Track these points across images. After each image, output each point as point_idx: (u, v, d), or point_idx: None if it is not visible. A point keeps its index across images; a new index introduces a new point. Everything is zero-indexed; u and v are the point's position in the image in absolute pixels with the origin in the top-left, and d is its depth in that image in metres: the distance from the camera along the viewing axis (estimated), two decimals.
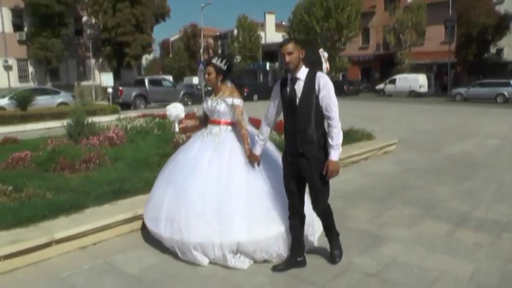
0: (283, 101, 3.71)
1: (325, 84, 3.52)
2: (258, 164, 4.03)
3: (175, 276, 3.81)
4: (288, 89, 3.64)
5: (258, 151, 4.00)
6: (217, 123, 4.28)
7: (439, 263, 3.98)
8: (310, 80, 3.55)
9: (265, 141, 4.02)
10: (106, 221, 4.58)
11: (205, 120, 4.45)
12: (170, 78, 38.73)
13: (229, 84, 4.29)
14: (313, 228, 4.22)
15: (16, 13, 37.88)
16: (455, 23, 39.28)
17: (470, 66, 38.66)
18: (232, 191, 3.94)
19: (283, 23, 54.07)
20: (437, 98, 34.28)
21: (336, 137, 3.54)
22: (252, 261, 3.93)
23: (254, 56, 55.49)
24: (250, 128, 4.31)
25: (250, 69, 55.60)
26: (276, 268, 3.83)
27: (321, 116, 3.58)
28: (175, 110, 4.28)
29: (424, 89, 38.21)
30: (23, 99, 16.66)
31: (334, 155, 3.56)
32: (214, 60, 4.21)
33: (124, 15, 39.29)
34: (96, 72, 41.24)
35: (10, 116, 15.58)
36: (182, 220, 3.92)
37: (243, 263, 3.89)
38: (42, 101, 20.27)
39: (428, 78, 39.71)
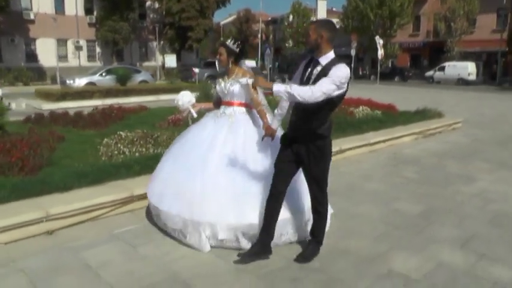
0: (301, 79, 3.55)
1: (333, 72, 3.28)
2: (273, 138, 3.87)
3: None
4: (308, 69, 3.50)
5: (275, 125, 3.86)
6: (231, 104, 4.28)
7: None
8: (328, 68, 3.34)
9: (283, 116, 3.85)
10: None
11: (217, 103, 4.45)
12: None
13: (244, 67, 4.28)
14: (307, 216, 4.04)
15: None
16: (508, 11, 39.54)
17: None
18: (247, 172, 3.92)
19: (334, 9, 54.82)
20: (486, 86, 35.13)
21: (298, 93, 3.19)
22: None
23: None
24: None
25: (303, 54, 56.85)
26: (239, 257, 3.72)
27: (326, 107, 3.39)
28: (186, 97, 4.45)
29: (473, 77, 38.57)
30: (123, 76, 19.16)
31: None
32: (227, 42, 4.25)
33: (188, 1, 41.43)
34: (157, 54, 43.90)
35: (116, 90, 18.33)
36: (196, 198, 3.85)
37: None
38: None
39: (477, 67, 39.97)
